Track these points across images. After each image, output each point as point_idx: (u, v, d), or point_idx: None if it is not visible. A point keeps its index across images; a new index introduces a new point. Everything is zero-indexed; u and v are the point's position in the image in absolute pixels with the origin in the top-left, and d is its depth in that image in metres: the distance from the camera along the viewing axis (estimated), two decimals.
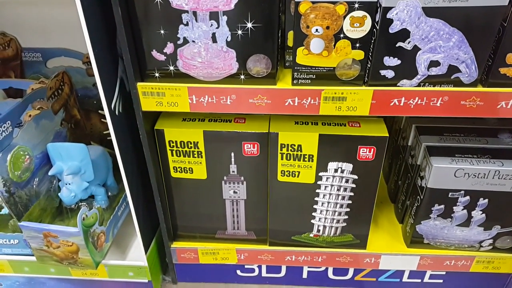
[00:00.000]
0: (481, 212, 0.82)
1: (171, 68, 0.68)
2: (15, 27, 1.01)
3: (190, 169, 0.81)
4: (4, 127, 0.74)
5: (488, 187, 0.78)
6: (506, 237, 0.85)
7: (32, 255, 0.85)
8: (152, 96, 0.70)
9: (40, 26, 1.02)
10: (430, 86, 0.66)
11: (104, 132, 1.02)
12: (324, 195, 0.81)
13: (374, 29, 0.62)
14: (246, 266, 0.95)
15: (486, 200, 0.80)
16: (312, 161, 0.77)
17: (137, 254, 0.92)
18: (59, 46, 1.01)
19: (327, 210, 0.84)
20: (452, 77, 0.65)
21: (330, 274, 0.95)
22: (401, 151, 0.95)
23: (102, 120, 1.02)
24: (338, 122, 0.76)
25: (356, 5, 0.60)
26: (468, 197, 0.80)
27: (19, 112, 0.79)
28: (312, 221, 0.86)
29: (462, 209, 0.82)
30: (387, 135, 0.73)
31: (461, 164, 0.76)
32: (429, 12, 0.59)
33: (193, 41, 0.65)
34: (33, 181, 0.82)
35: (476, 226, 0.84)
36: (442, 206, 0.82)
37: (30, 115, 0.81)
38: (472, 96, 0.66)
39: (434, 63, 0.64)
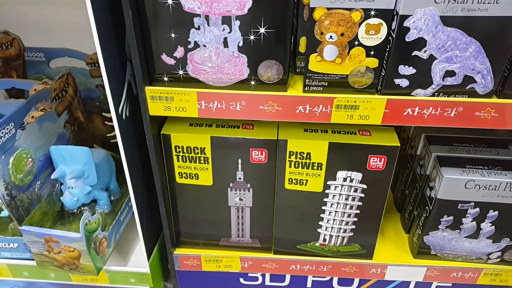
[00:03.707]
0: (490, 224, 0.80)
1: (181, 72, 0.66)
2: (18, 26, 0.99)
3: (196, 175, 0.79)
4: (7, 129, 0.72)
5: (498, 199, 0.77)
6: None
7: (32, 260, 0.83)
8: (160, 100, 0.68)
9: (43, 25, 1.00)
10: (445, 96, 0.65)
11: (108, 135, 1.00)
12: (331, 204, 0.80)
13: (390, 37, 0.61)
14: (249, 274, 0.94)
15: (496, 212, 0.79)
16: (321, 169, 0.76)
17: (139, 260, 0.90)
18: (62, 46, 0.99)
19: (334, 220, 0.82)
20: (467, 87, 0.64)
21: (335, 284, 0.93)
22: (409, 160, 0.94)
23: (105, 122, 1.01)
24: (348, 131, 0.75)
25: (372, 13, 0.59)
26: (477, 209, 0.79)
27: (22, 114, 0.77)
28: (319, 230, 0.84)
29: (471, 221, 0.80)
30: (399, 144, 0.72)
31: (472, 176, 0.75)
32: (447, 21, 0.58)
33: (204, 46, 0.63)
34: (35, 184, 0.80)
35: (484, 238, 0.83)
36: (451, 218, 0.80)
37: (33, 117, 0.79)
38: (487, 107, 0.65)
39: (449, 73, 0.63)
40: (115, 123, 0.68)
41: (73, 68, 0.98)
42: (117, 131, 0.69)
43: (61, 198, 0.82)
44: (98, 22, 0.60)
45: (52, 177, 0.80)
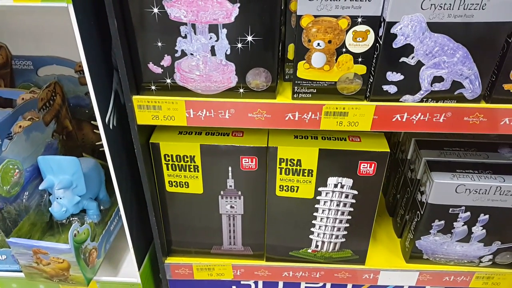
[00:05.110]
0: (481, 228, 0.80)
1: (168, 81, 0.66)
2: (5, 34, 0.98)
3: (186, 183, 0.79)
4: None
5: (489, 203, 0.77)
6: (506, 252, 0.84)
7: (21, 271, 0.82)
8: (148, 109, 0.67)
9: (31, 33, 0.99)
10: (433, 102, 0.65)
11: (97, 143, 1.00)
12: (323, 210, 0.80)
13: (377, 44, 0.61)
14: (242, 282, 0.93)
15: (487, 216, 0.79)
16: (312, 176, 0.76)
17: (129, 270, 0.89)
18: (50, 54, 0.98)
19: (326, 226, 0.82)
20: (456, 92, 0.64)
21: None
22: (400, 164, 0.94)
23: (94, 130, 1.00)
24: (338, 137, 0.75)
25: (359, 20, 0.58)
26: (468, 213, 0.79)
27: (9, 124, 0.76)
28: (311, 236, 0.84)
29: (463, 225, 0.80)
30: (388, 150, 0.72)
31: (462, 180, 0.75)
32: (434, 27, 0.58)
33: (191, 54, 0.63)
34: (23, 195, 0.79)
35: (476, 242, 0.83)
36: (443, 222, 0.80)
37: (20, 126, 0.78)
38: (475, 112, 0.65)
39: (437, 79, 0.63)
40: (101, 133, 0.68)
41: (62, 76, 0.97)
42: (104, 141, 0.69)
43: (50, 208, 0.81)
44: (82, 32, 0.59)
45: (40, 187, 0.79)
